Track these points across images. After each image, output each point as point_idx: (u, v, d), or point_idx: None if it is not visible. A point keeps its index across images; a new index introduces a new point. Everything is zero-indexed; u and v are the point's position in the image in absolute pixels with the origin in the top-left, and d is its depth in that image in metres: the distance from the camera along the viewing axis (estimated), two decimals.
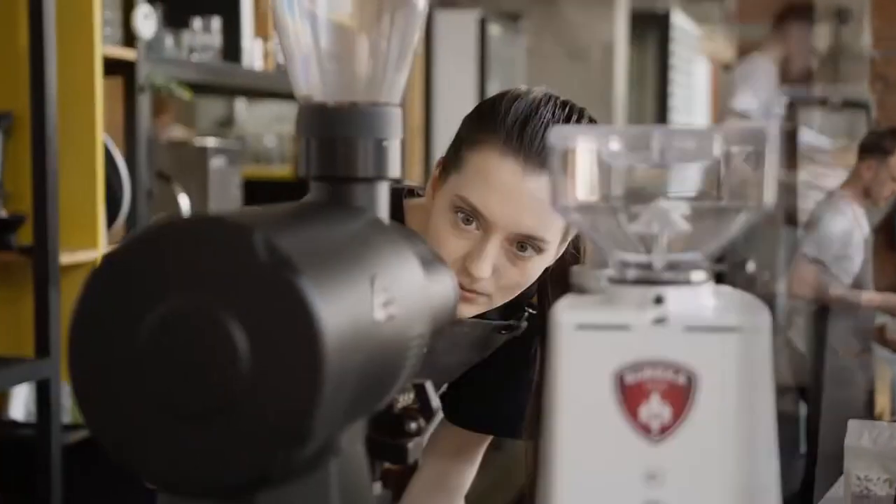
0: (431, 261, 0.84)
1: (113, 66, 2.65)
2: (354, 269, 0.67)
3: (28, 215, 2.40)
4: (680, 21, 7.72)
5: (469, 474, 1.59)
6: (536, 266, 1.28)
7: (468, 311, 1.30)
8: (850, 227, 3.95)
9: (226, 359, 0.60)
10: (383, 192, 0.82)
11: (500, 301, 1.30)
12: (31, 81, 2.37)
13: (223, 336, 0.60)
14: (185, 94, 2.70)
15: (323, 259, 0.65)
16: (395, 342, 0.71)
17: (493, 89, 5.91)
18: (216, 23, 3.09)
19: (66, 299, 2.44)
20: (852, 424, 1.76)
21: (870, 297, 4.03)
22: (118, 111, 2.70)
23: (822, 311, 4.07)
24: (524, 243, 1.26)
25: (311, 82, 0.83)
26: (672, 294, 0.68)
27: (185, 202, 2.93)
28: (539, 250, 1.26)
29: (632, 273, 0.69)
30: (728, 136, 0.68)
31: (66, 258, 2.44)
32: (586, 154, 0.70)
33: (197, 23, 3.10)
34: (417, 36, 0.84)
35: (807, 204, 4.33)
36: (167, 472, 0.62)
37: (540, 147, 1.23)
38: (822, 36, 9.16)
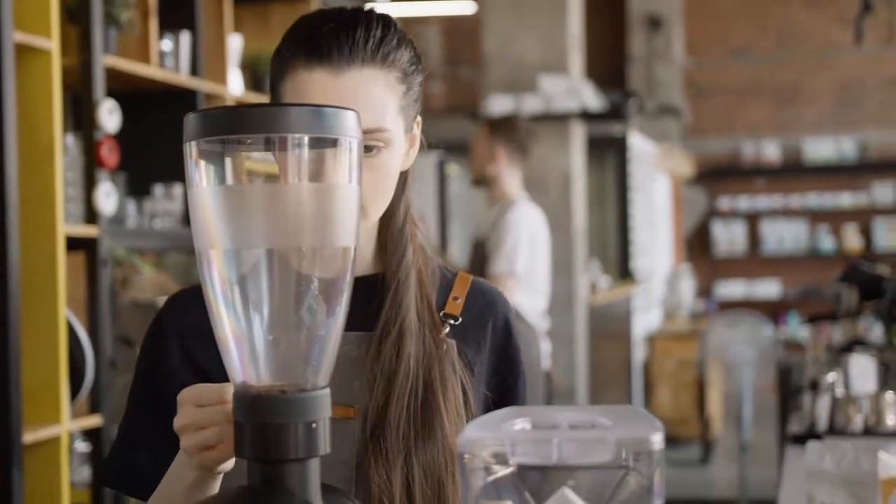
0: None
1: (76, 242, 2.72)
2: None
3: None
4: (637, 142, 7.90)
5: None
6: (389, 161, 1.23)
7: None
8: None
9: None
10: (314, 470, 0.88)
11: (374, 212, 1.24)
12: None
13: None
14: (146, 268, 2.76)
15: None
16: None
17: (453, 226, 6.03)
18: (178, 189, 3.18)
19: (30, 478, 2.47)
20: (812, 446, 1.62)
21: None
22: (81, 283, 2.76)
23: None
24: (366, 143, 1.18)
25: (245, 370, 0.90)
26: None
27: None
28: (385, 143, 1.21)
29: None
30: (620, 442, 0.75)
31: (29, 436, 2.47)
32: (491, 456, 0.76)
33: (158, 189, 3.19)
34: (342, 325, 0.92)
35: None
36: None
37: (341, 44, 1.19)
38: (635, 44, 9.25)
